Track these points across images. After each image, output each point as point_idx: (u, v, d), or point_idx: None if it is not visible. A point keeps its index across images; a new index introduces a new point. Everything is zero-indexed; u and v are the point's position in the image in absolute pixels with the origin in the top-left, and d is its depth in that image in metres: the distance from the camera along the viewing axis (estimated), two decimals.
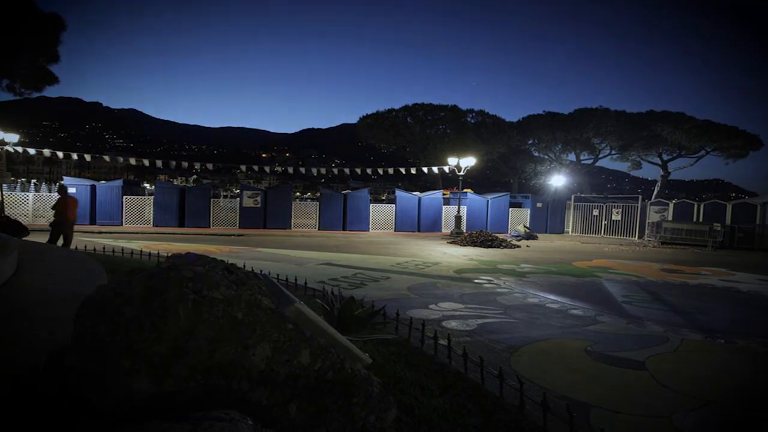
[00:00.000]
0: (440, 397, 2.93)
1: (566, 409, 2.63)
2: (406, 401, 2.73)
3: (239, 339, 1.69)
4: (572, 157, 37.56)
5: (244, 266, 9.07)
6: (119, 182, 21.80)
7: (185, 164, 23.82)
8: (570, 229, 25.22)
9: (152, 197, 21.31)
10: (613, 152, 35.89)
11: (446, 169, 22.86)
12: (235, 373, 1.62)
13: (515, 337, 5.29)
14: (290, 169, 32.03)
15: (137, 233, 16.94)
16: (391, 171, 24.46)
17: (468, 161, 22.02)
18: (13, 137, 17.29)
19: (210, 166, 22.38)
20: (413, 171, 25.50)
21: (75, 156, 19.29)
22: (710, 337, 5.44)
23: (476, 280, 9.07)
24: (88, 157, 20.91)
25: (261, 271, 9.58)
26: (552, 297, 7.62)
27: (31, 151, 18.75)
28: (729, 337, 5.52)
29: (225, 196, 30.20)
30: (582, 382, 4.07)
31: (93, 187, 20.61)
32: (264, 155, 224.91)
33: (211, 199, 21.70)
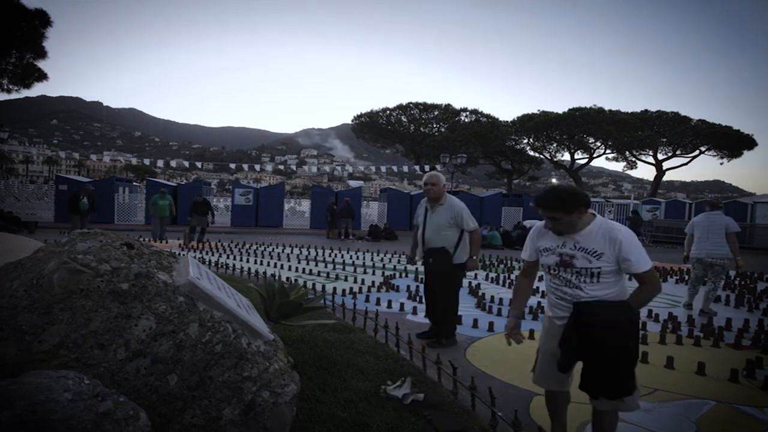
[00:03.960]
0: (372, 380, 2.94)
1: (489, 392, 2.64)
2: (332, 382, 2.74)
3: (121, 309, 1.70)
4: (567, 156, 37.57)
5: (219, 262, 9.07)
6: (111, 180, 21.89)
7: (185, 163, 23.88)
8: None
9: (144, 195, 21.40)
10: (608, 152, 35.89)
11: (438, 167, 22.90)
12: (112, 342, 1.63)
13: (478, 328, 5.30)
14: (291, 168, 32.06)
15: (128, 230, 16.95)
16: (384, 169, 24.44)
17: (460, 159, 22.08)
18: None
19: (200, 164, 22.39)
20: (405, 169, 25.52)
21: (63, 155, 19.34)
22: (673, 330, 5.44)
23: None
24: (77, 155, 20.96)
25: (188, 253, 9.64)
26: None
27: (19, 149, 18.74)
28: (693, 330, 5.54)
29: (218, 195, 30.23)
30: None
31: (85, 185, 20.72)
32: (264, 155, 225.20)
33: (204, 197, 21.74)
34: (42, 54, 16.22)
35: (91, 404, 1.12)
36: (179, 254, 2.46)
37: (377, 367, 3.21)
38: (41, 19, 15.05)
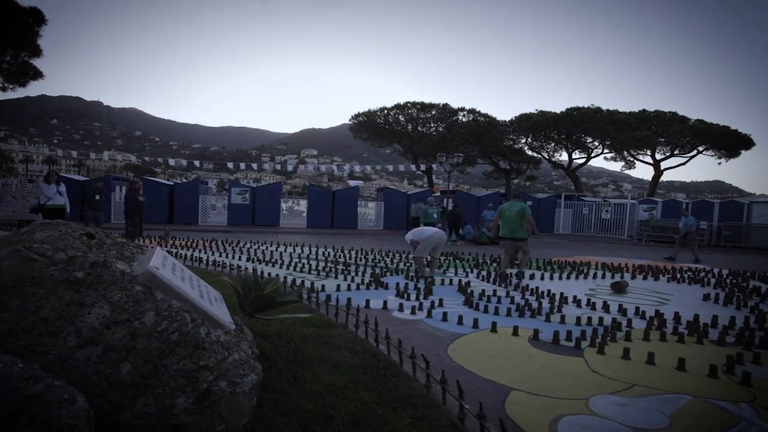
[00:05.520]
0: (344, 374, 2.94)
1: (457, 386, 2.64)
2: (302, 375, 2.74)
3: (74, 297, 1.71)
4: (565, 156, 37.52)
5: (208, 260, 9.05)
6: (108, 179, 21.91)
7: (184, 162, 23.86)
8: (560, 228, 25.25)
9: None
10: (606, 151, 35.87)
11: (435, 166, 22.90)
12: (62, 329, 1.63)
13: (463, 325, 5.30)
14: (289, 168, 32.08)
15: (122, 229, 16.92)
16: (380, 167, 24.44)
17: (457, 159, 22.08)
18: None
19: (198, 163, 22.35)
20: (402, 168, 25.49)
21: (60, 153, 19.41)
22: (658, 327, 5.44)
23: (447, 273, 9.08)
24: (74, 154, 21.01)
25: (159, 246, 9.62)
26: (517, 289, 7.64)
27: (19, 148, 18.82)
28: (678, 327, 5.54)
29: (215, 194, 30.25)
30: (513, 367, 4.07)
31: (82, 183, 20.75)
32: (264, 155, 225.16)
33: (200, 196, 21.79)
34: (37, 52, 16.27)
35: (19, 387, 1.13)
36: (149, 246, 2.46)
37: (352, 361, 3.22)
38: (35, 17, 15.09)
